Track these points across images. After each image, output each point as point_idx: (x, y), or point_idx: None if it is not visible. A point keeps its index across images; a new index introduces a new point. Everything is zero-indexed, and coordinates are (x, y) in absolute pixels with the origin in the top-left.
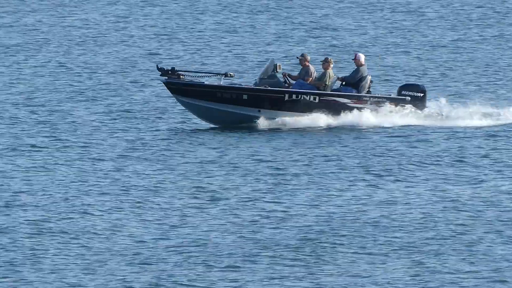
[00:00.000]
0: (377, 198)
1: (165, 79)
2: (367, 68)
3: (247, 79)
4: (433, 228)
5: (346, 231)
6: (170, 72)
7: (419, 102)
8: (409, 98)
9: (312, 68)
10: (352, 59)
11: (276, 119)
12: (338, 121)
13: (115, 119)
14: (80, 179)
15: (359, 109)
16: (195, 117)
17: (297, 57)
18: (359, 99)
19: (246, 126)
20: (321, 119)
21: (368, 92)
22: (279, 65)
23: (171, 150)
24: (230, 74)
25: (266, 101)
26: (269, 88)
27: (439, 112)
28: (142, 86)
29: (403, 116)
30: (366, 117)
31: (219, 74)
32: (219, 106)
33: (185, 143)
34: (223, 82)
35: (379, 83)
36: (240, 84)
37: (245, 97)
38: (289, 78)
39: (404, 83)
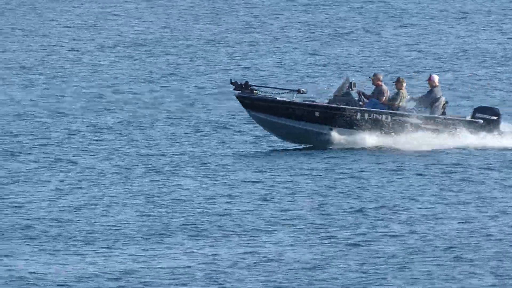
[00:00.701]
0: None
1: (238, 93)
2: (441, 90)
3: (323, 96)
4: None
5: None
6: (243, 86)
7: (493, 125)
8: (482, 121)
9: (385, 87)
10: (426, 80)
11: (348, 137)
12: (409, 141)
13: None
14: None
15: (431, 130)
16: (265, 131)
17: (370, 77)
18: (431, 120)
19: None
20: (392, 138)
21: (443, 113)
22: (354, 83)
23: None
24: (302, 91)
25: (338, 118)
26: (341, 106)
27: None
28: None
29: (475, 138)
30: (437, 138)
31: (292, 90)
32: (290, 122)
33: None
34: (296, 98)
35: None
36: (314, 101)
37: (317, 114)
38: (363, 97)
39: (479, 106)
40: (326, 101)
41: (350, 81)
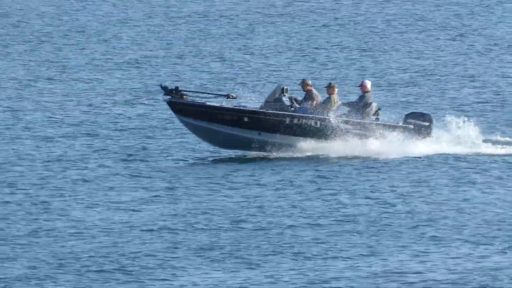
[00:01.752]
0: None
1: (168, 98)
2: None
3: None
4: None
5: None
6: (173, 91)
7: (424, 130)
8: (412, 127)
9: (315, 92)
10: (358, 86)
11: (276, 143)
12: (339, 147)
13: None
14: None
15: (361, 135)
16: (196, 137)
17: (299, 84)
18: (361, 126)
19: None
20: (321, 144)
21: (376, 119)
22: (286, 88)
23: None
24: (232, 96)
25: (266, 124)
26: (269, 111)
27: (447, 139)
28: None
29: (405, 143)
30: (367, 144)
31: (221, 95)
32: (219, 127)
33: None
34: (225, 103)
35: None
36: (244, 106)
37: (245, 119)
38: (295, 102)
39: (410, 111)
40: (258, 106)
41: (282, 87)
